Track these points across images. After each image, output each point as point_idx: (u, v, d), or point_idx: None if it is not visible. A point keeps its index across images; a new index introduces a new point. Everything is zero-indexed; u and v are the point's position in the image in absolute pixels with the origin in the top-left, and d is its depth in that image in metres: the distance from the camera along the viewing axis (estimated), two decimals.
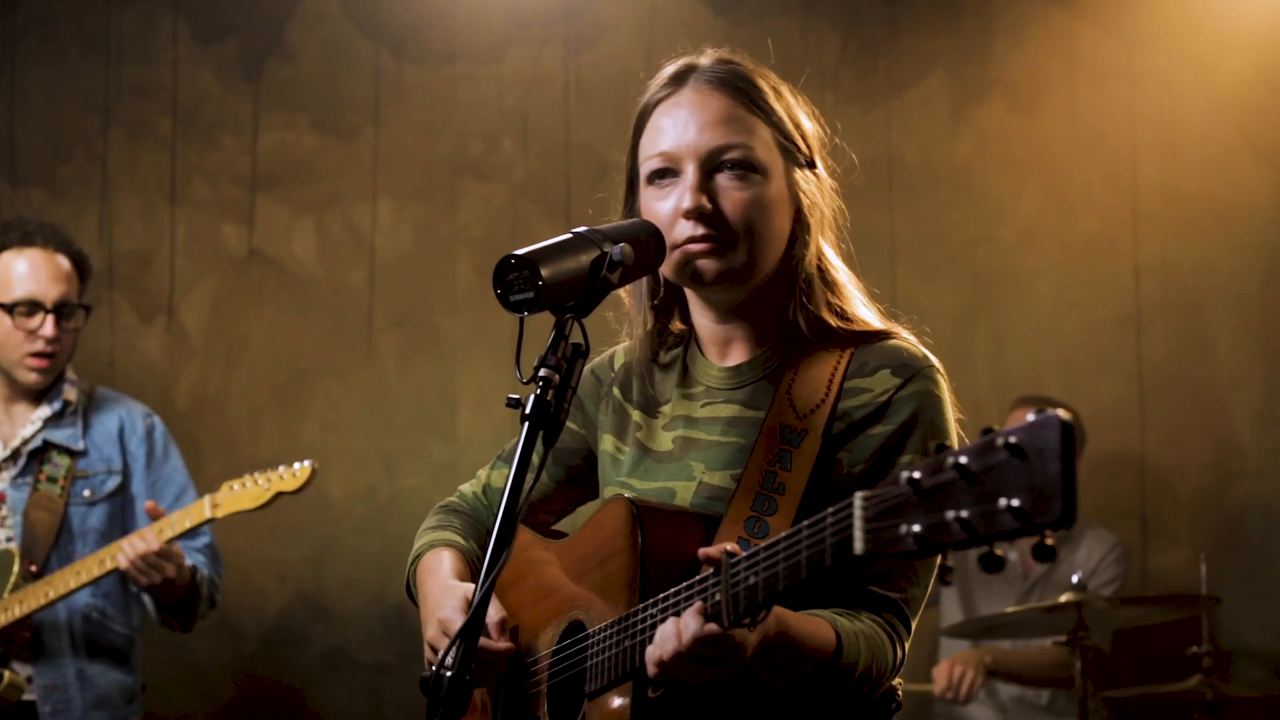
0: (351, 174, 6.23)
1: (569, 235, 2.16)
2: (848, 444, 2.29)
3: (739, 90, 2.35)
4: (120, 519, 4.47)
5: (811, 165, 2.39)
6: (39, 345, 4.39)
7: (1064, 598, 4.72)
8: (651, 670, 2.04)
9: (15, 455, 4.44)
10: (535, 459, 2.06)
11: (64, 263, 4.45)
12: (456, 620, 2.30)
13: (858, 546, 1.74)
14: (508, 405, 2.10)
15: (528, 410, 2.06)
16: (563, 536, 2.53)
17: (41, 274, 4.39)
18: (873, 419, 2.29)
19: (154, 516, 4.16)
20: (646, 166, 2.37)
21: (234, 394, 6.18)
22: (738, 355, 2.42)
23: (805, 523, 1.87)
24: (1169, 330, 5.91)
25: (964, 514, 1.62)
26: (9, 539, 4.37)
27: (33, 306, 4.38)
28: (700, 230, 2.29)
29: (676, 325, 2.51)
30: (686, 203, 2.29)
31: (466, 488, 2.73)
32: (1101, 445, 5.80)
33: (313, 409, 6.16)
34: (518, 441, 2.65)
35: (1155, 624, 5.18)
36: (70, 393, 4.51)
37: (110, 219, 6.23)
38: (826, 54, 6.02)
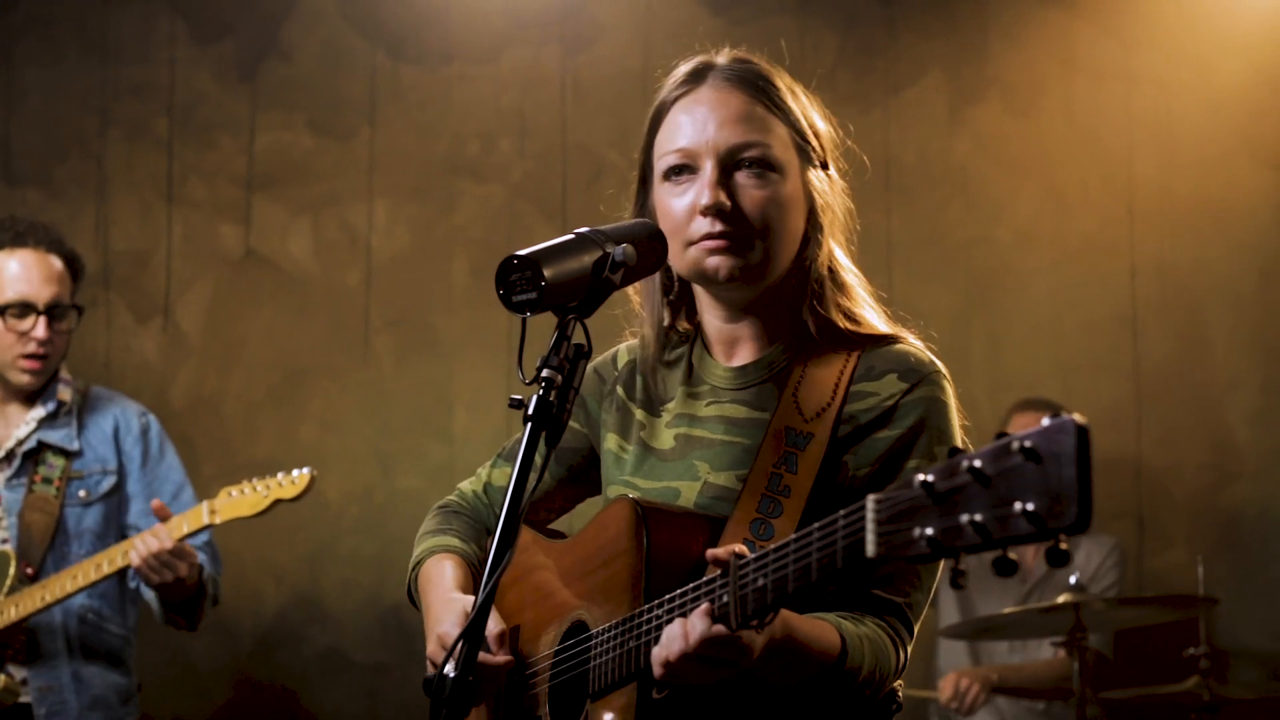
0: (348, 174, 6.22)
1: (571, 236, 2.15)
2: (854, 447, 2.29)
3: (757, 89, 2.35)
4: (116, 519, 4.45)
5: (825, 166, 2.40)
6: (31, 347, 4.36)
7: (1061, 599, 4.72)
8: (657, 671, 2.04)
9: (10, 456, 4.42)
10: (537, 459, 2.06)
11: (56, 263, 4.42)
12: (456, 635, 2.30)
13: (870, 549, 1.74)
14: (510, 406, 2.10)
15: (530, 411, 2.05)
16: (562, 536, 2.53)
17: (33, 275, 4.36)
18: (879, 423, 2.29)
19: (160, 516, 4.14)
20: (663, 163, 2.37)
21: (230, 394, 6.17)
22: (745, 355, 2.42)
23: (816, 525, 1.87)
24: (1166, 331, 5.92)
25: (978, 517, 1.62)
26: (4, 541, 4.35)
27: (24, 308, 4.35)
28: (718, 227, 2.29)
29: (683, 324, 2.51)
30: (705, 199, 2.29)
31: (466, 486, 2.73)
32: (1098, 446, 5.70)
33: (309, 409, 6.15)
34: (519, 440, 2.66)
35: (1152, 625, 5.18)
36: (64, 393, 4.49)
37: (107, 219, 6.22)
38: (823, 54, 6.02)
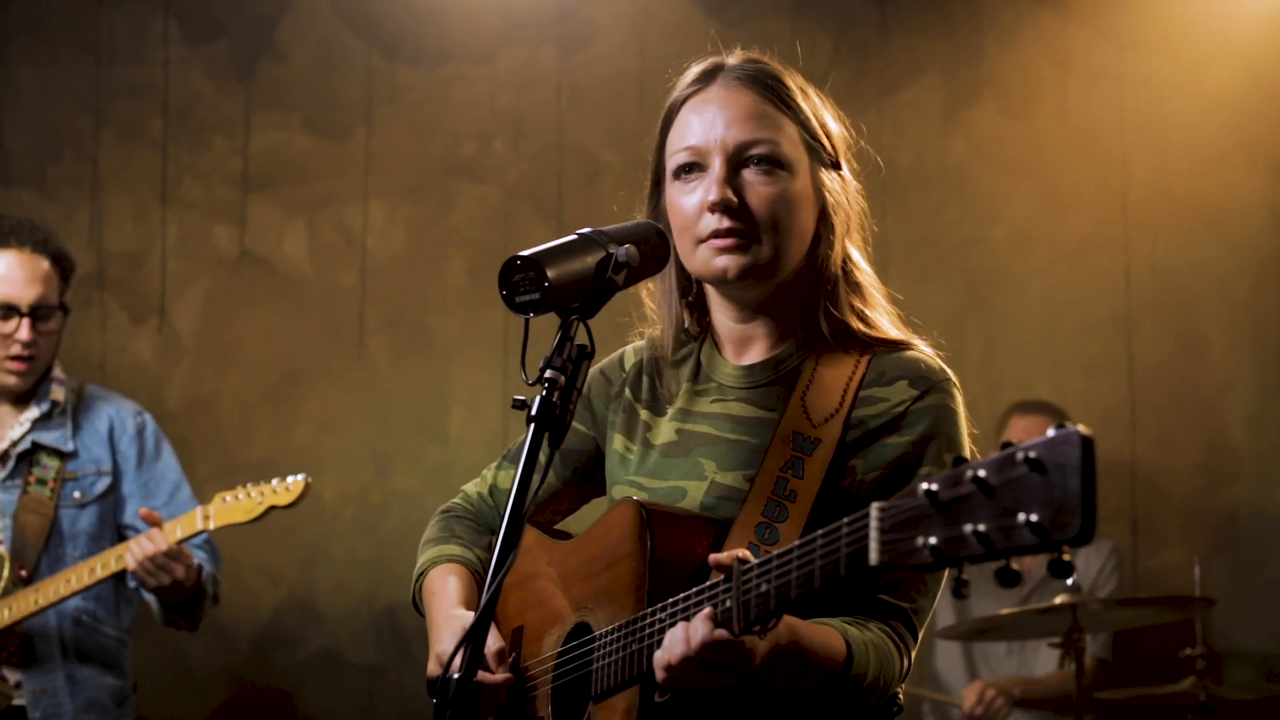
0: (343, 175, 6.22)
1: (574, 236, 2.16)
2: (861, 452, 2.29)
3: (767, 87, 2.36)
4: (112, 520, 4.44)
5: (837, 166, 2.40)
6: (15, 349, 4.33)
7: (1059, 600, 4.73)
8: (660, 675, 2.04)
9: (4, 457, 4.40)
10: (541, 460, 2.06)
11: (42, 263, 4.37)
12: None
13: (873, 557, 1.74)
14: (513, 407, 2.11)
15: (533, 412, 2.05)
16: (568, 537, 2.53)
17: (17, 276, 4.32)
18: (888, 429, 2.29)
19: (151, 523, 4.12)
20: (673, 161, 2.38)
21: (225, 395, 6.17)
22: (755, 355, 2.42)
23: (819, 531, 1.87)
24: (1161, 332, 5.92)
25: (981, 527, 1.63)
26: None
27: (8, 310, 4.32)
28: (725, 224, 2.30)
29: (692, 326, 2.51)
30: (712, 195, 2.30)
31: (471, 488, 2.73)
32: None
33: (304, 410, 6.15)
34: (523, 441, 2.67)
35: (1148, 626, 5.18)
36: (58, 392, 4.46)
37: (101, 220, 6.21)
38: (818, 56, 6.02)
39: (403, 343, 6.17)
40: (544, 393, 2.06)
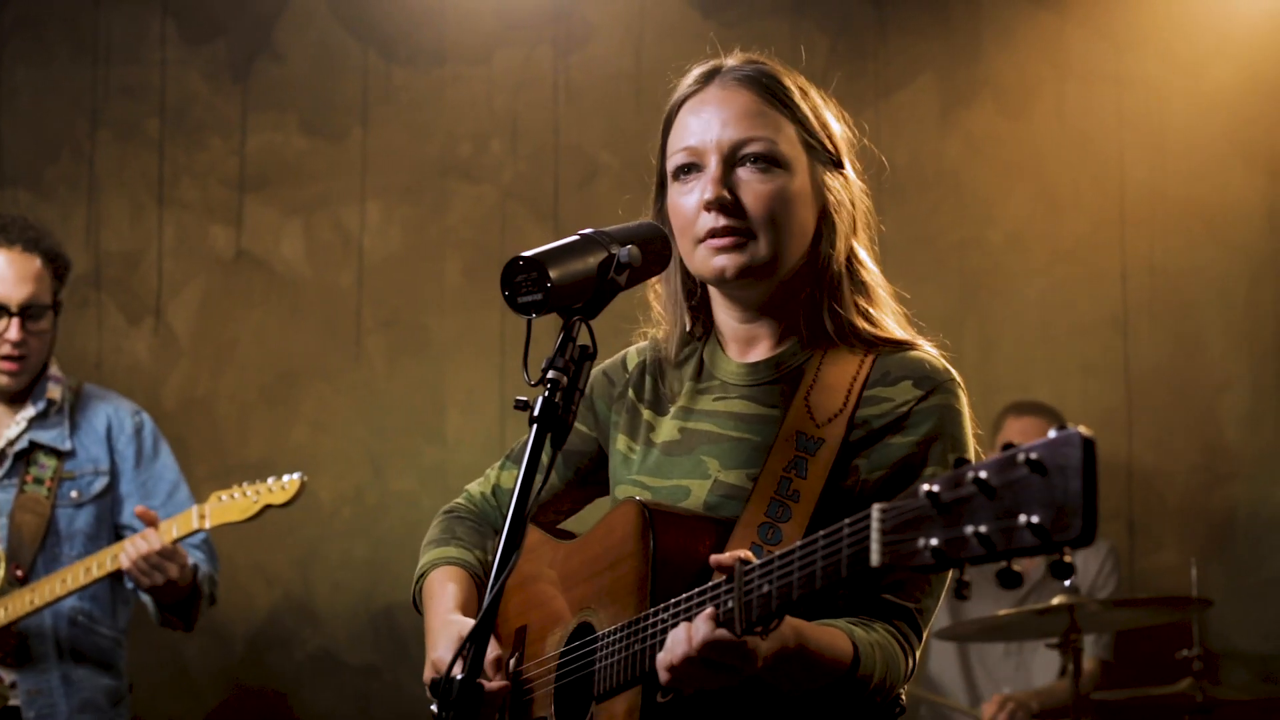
0: (340, 175, 6.22)
1: (576, 237, 2.16)
2: (865, 451, 2.29)
3: (763, 87, 2.37)
4: (108, 520, 4.43)
5: (839, 165, 2.40)
6: (4, 349, 4.31)
7: (1056, 600, 4.73)
8: (662, 676, 2.05)
9: (1, 456, 4.39)
10: (543, 461, 2.07)
11: (33, 262, 4.34)
12: (450, 661, 2.32)
13: (874, 559, 1.75)
14: (516, 407, 2.11)
15: (536, 413, 2.05)
16: (571, 536, 2.54)
17: (7, 275, 4.30)
18: (892, 428, 2.29)
19: (147, 521, 4.12)
20: (672, 162, 2.39)
21: (222, 395, 6.17)
22: (759, 353, 2.42)
23: (821, 533, 1.88)
24: (1156, 333, 5.93)
25: (983, 529, 1.63)
26: None
27: None
28: (721, 222, 2.31)
29: (696, 327, 2.52)
30: (708, 194, 2.31)
31: (474, 488, 2.73)
32: None
33: (301, 410, 6.15)
34: (526, 441, 2.67)
35: (1145, 627, 5.18)
36: (54, 391, 4.45)
37: (97, 220, 6.21)
38: (815, 56, 5.96)
39: (399, 343, 6.17)
40: (546, 393, 2.05)
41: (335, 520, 6.05)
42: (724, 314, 2.45)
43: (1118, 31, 6.00)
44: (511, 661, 2.46)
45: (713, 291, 2.45)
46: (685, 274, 2.45)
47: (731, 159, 2.33)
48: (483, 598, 2.53)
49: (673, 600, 2.10)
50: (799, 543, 1.91)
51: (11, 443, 4.40)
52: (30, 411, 4.42)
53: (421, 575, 2.61)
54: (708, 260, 2.33)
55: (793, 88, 2.39)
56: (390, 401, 6.14)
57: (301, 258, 6.21)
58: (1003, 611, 4.89)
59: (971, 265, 6.04)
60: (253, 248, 6.21)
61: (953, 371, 2.36)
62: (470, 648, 2.01)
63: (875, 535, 1.75)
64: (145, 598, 4.28)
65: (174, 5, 6.27)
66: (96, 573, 4.15)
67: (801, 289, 2.38)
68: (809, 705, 2.18)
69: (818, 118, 2.39)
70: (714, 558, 2.05)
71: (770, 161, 2.32)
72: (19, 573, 4.28)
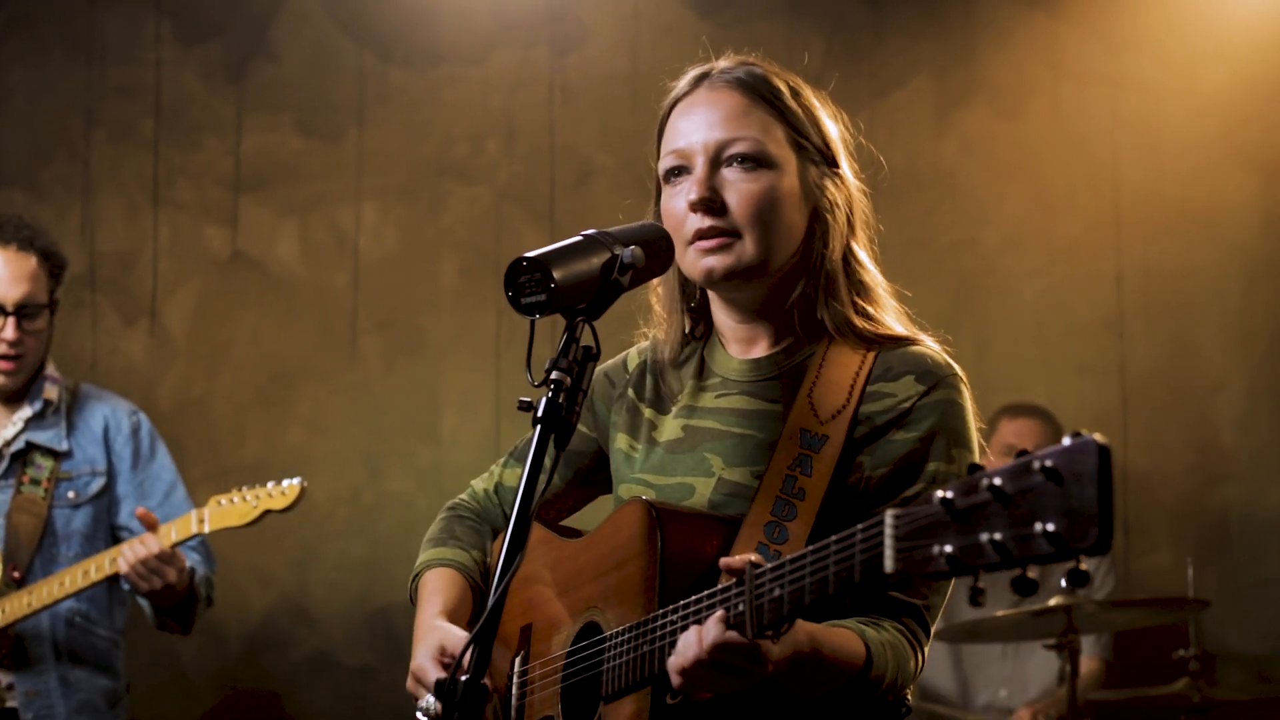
0: (335, 176, 6.21)
1: (580, 237, 2.16)
2: (868, 448, 2.30)
3: (750, 88, 2.37)
4: (105, 521, 4.42)
5: (832, 165, 2.40)
6: (1, 349, 4.30)
7: (1054, 601, 4.73)
8: (674, 680, 2.05)
9: None
10: (546, 464, 2.06)
11: (29, 261, 4.33)
12: (428, 670, 2.34)
13: (889, 565, 1.75)
14: (519, 408, 2.10)
15: (539, 413, 2.05)
16: (575, 533, 2.53)
17: (2, 274, 4.28)
18: (895, 424, 2.29)
19: (147, 524, 4.11)
20: (663, 166, 2.40)
21: (217, 396, 6.16)
22: (760, 351, 2.43)
23: (833, 537, 1.88)
24: (1151, 334, 5.94)
25: (998, 536, 1.63)
26: None
27: None
28: (707, 222, 2.31)
29: (698, 329, 2.52)
30: (692, 195, 2.32)
31: (479, 484, 2.73)
32: None
33: (296, 412, 6.14)
34: (529, 440, 2.67)
35: (1142, 628, 5.19)
36: (51, 391, 4.43)
37: (92, 220, 6.20)
38: (811, 57, 5.96)
39: (395, 344, 6.17)
40: (550, 394, 2.05)
41: (331, 521, 6.04)
42: (722, 315, 2.45)
43: (1112, 33, 6.01)
44: (516, 660, 2.46)
45: (710, 293, 2.46)
46: (683, 276, 2.45)
47: (718, 160, 2.33)
48: (478, 598, 2.55)
49: (682, 602, 2.10)
50: (811, 547, 1.91)
51: (8, 443, 4.38)
52: (27, 412, 4.41)
53: (416, 575, 2.62)
54: (696, 262, 2.34)
55: (783, 88, 2.38)
56: (386, 402, 6.13)
57: (297, 258, 6.20)
58: (1000, 612, 4.89)
59: (967, 266, 6.04)
60: (248, 248, 6.21)
61: (955, 366, 2.36)
62: (475, 649, 2.01)
63: (889, 541, 1.75)
64: (142, 601, 4.27)
65: (169, 5, 6.26)
66: (95, 576, 4.14)
67: (797, 289, 2.38)
68: (818, 705, 2.18)
69: (809, 118, 2.39)
70: (724, 561, 2.05)
71: (756, 161, 2.32)
72: (16, 574, 4.27)
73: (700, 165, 2.33)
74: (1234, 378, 5.90)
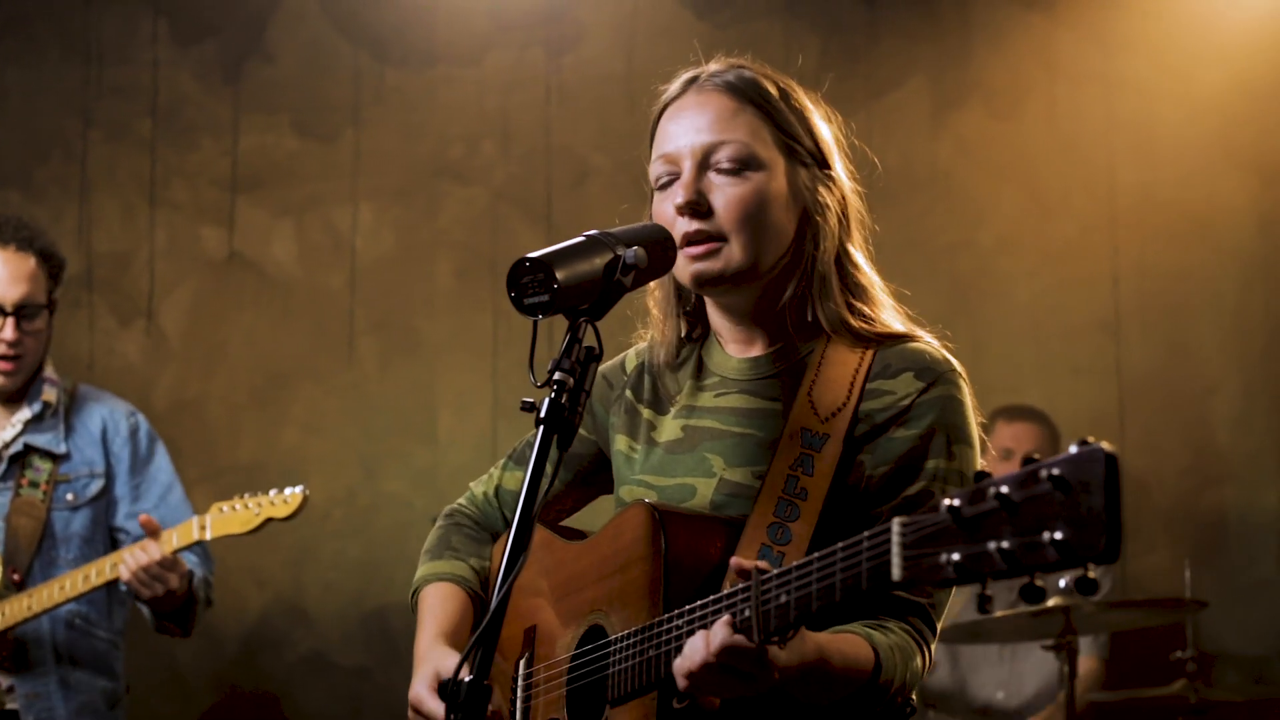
0: (331, 176, 6.21)
1: (582, 238, 2.16)
2: (869, 446, 2.30)
3: (739, 91, 2.37)
4: (104, 523, 4.42)
5: (823, 166, 2.39)
6: (0, 349, 4.31)
7: (1052, 602, 4.73)
8: (680, 683, 2.05)
9: None
10: (548, 470, 2.06)
11: (28, 261, 4.32)
12: (425, 699, 2.34)
13: (896, 573, 1.75)
14: (522, 409, 2.10)
15: (542, 414, 2.05)
16: (577, 534, 2.53)
17: (1, 275, 4.27)
18: (895, 421, 2.30)
19: (150, 531, 4.10)
20: (652, 171, 2.40)
21: (213, 397, 6.15)
22: (757, 350, 2.43)
23: (839, 545, 1.88)
24: (1147, 336, 5.94)
25: (1005, 545, 1.63)
26: None
27: None
28: (694, 225, 2.31)
29: (695, 331, 2.52)
30: (678, 199, 2.32)
31: (477, 488, 2.73)
32: None
33: (292, 412, 6.14)
34: (528, 441, 2.67)
35: (1138, 629, 5.20)
36: (50, 393, 4.42)
37: (89, 221, 6.19)
38: (806, 58, 6.02)
39: (391, 345, 6.16)
40: (553, 395, 2.05)
41: (327, 522, 6.04)
42: (717, 316, 2.46)
43: (1108, 35, 6.02)
44: (521, 663, 2.46)
45: (707, 297, 2.46)
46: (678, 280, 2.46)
47: (705, 163, 2.33)
48: (479, 609, 2.55)
49: (688, 606, 2.10)
50: (816, 554, 1.92)
51: (7, 445, 4.38)
52: (25, 413, 4.40)
53: (415, 590, 2.62)
54: (685, 267, 2.34)
55: (772, 90, 2.38)
56: (382, 403, 6.13)
57: (293, 259, 6.20)
58: (998, 613, 4.90)
59: (962, 268, 6.05)
60: (244, 249, 6.20)
61: (953, 361, 2.36)
62: (478, 650, 2.01)
63: (896, 549, 1.75)
64: (142, 606, 4.27)
65: (165, 5, 6.25)
66: (95, 580, 4.14)
67: (789, 290, 2.38)
68: (826, 711, 2.19)
69: (800, 119, 2.39)
70: (734, 560, 2.04)
71: (743, 164, 2.32)
72: (15, 576, 4.26)
73: (688, 169, 2.33)
74: (1230, 379, 5.91)
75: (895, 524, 1.77)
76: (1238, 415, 5.89)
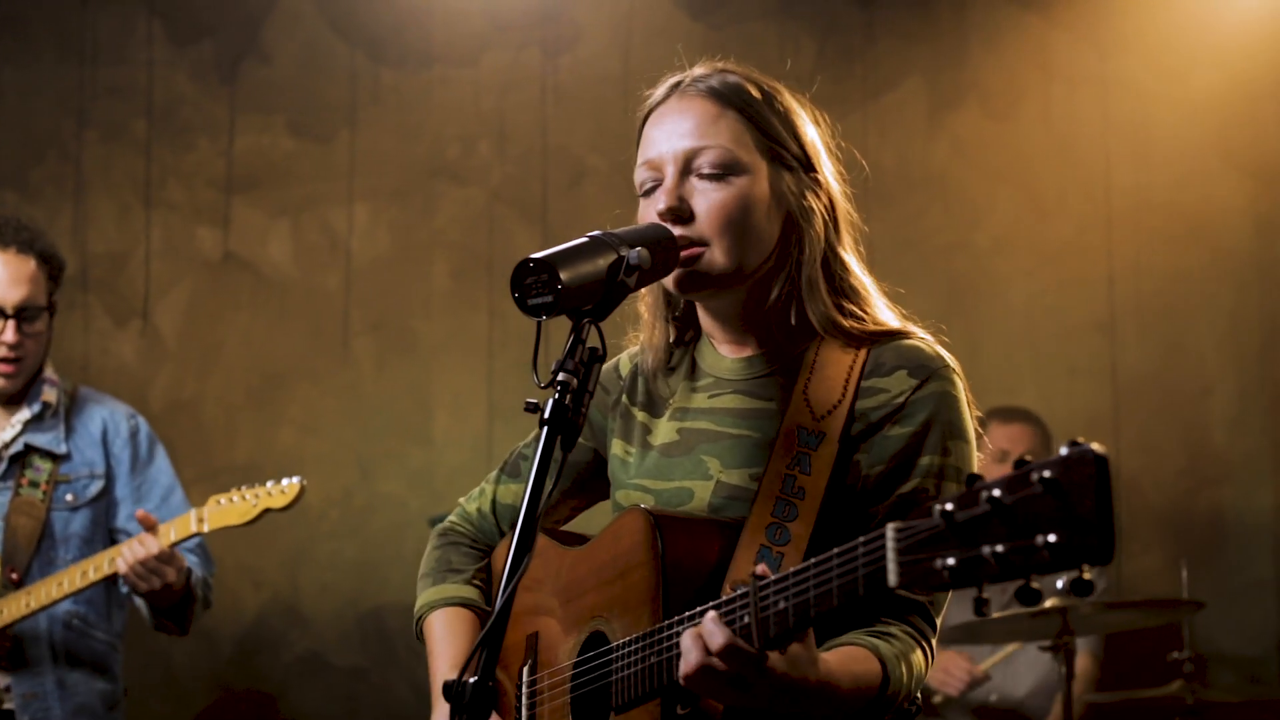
0: (327, 177, 6.21)
1: (586, 239, 2.15)
2: (865, 444, 2.29)
3: (722, 96, 2.36)
4: (104, 523, 4.42)
5: (809, 169, 2.39)
6: (1, 351, 4.29)
7: (1049, 603, 4.73)
8: (683, 682, 2.05)
9: None
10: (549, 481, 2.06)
11: (29, 263, 4.32)
12: None
13: (892, 579, 1.75)
14: (526, 410, 2.09)
15: (546, 415, 2.04)
16: (576, 539, 2.52)
17: (2, 277, 4.27)
18: (890, 419, 2.29)
19: (147, 525, 4.10)
20: (637, 178, 2.40)
21: (209, 398, 6.15)
22: (750, 351, 2.42)
23: (835, 551, 1.88)
24: (1143, 337, 5.95)
25: (999, 548, 1.63)
26: None
27: None
28: (677, 232, 2.30)
29: (688, 334, 2.52)
30: (660, 205, 2.31)
31: (470, 505, 2.71)
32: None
33: (288, 413, 6.14)
34: (520, 453, 2.66)
35: (1135, 630, 5.20)
36: (50, 394, 4.43)
37: (84, 221, 6.19)
38: (803, 59, 6.03)
39: (386, 345, 6.17)
40: (557, 395, 2.05)
41: (323, 522, 6.04)
42: (707, 319, 2.45)
43: (1103, 36, 6.03)
44: (524, 670, 2.46)
45: (697, 302, 2.46)
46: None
47: (687, 168, 2.33)
48: (485, 620, 2.53)
49: (688, 614, 2.10)
50: (813, 560, 1.92)
51: (7, 445, 4.38)
52: (25, 414, 4.40)
53: (420, 617, 2.60)
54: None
55: (755, 93, 2.37)
56: (378, 404, 6.13)
57: (289, 260, 6.20)
58: (995, 614, 4.89)
59: (958, 269, 6.05)
60: (240, 249, 6.20)
61: (946, 357, 2.35)
62: (482, 651, 2.01)
63: (891, 555, 1.75)
64: (139, 602, 4.27)
65: (161, 6, 6.25)
66: (93, 576, 4.14)
67: (776, 292, 2.37)
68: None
69: (785, 123, 2.38)
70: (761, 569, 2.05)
71: (725, 169, 2.31)
72: (14, 576, 4.26)
73: (670, 175, 2.33)
74: (1226, 380, 5.91)
75: (890, 530, 1.77)
76: (1234, 416, 5.89)
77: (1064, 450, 1.62)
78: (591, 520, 2.64)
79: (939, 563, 1.68)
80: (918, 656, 2.23)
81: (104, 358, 6.14)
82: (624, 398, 2.55)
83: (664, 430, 2.45)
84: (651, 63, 2.52)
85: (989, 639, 5.20)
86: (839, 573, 1.86)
